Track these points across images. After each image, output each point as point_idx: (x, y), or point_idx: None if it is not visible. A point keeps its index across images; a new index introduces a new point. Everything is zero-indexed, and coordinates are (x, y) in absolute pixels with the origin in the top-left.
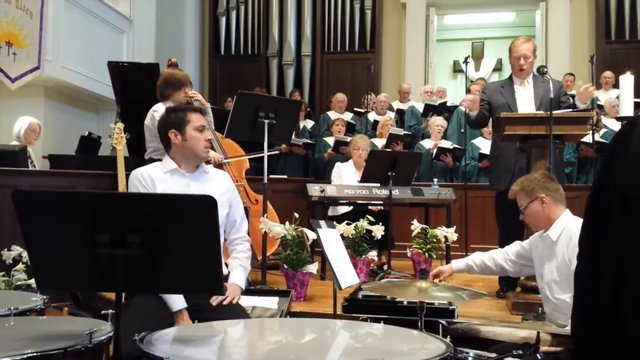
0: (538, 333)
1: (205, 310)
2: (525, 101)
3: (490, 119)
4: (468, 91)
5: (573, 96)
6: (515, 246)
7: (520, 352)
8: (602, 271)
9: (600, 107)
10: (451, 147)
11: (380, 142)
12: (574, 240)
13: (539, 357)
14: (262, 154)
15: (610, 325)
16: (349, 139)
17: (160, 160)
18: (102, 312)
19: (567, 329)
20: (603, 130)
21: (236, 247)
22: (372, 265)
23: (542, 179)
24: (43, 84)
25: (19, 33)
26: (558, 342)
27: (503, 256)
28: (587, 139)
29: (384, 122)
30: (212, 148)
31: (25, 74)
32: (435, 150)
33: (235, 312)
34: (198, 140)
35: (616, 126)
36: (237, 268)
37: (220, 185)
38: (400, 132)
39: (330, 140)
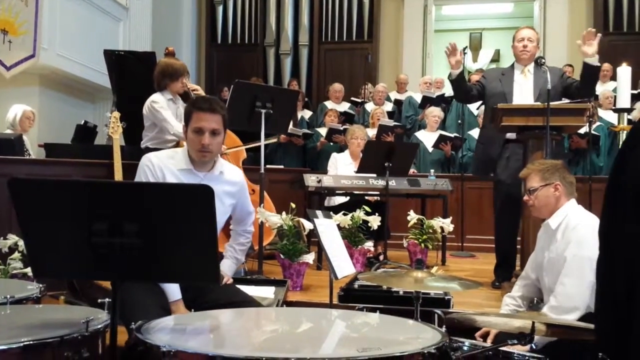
0: (533, 323)
1: (208, 293)
2: (524, 91)
3: (483, 107)
4: (469, 81)
5: (599, 68)
6: (517, 283)
7: (515, 341)
8: (616, 267)
9: (597, 98)
10: (452, 136)
11: (371, 132)
12: (567, 232)
13: (534, 347)
14: (259, 144)
15: (626, 321)
16: (342, 127)
17: (156, 149)
18: (99, 300)
19: (564, 319)
20: (597, 124)
21: (236, 237)
22: (368, 254)
23: (562, 167)
24: (38, 72)
25: (14, 21)
26: (553, 332)
27: (514, 294)
28: (581, 130)
29: (375, 112)
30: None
31: (21, 62)
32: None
33: (236, 293)
34: (192, 142)
35: (611, 118)
36: (229, 258)
37: (232, 189)
38: (391, 123)
39: (323, 131)
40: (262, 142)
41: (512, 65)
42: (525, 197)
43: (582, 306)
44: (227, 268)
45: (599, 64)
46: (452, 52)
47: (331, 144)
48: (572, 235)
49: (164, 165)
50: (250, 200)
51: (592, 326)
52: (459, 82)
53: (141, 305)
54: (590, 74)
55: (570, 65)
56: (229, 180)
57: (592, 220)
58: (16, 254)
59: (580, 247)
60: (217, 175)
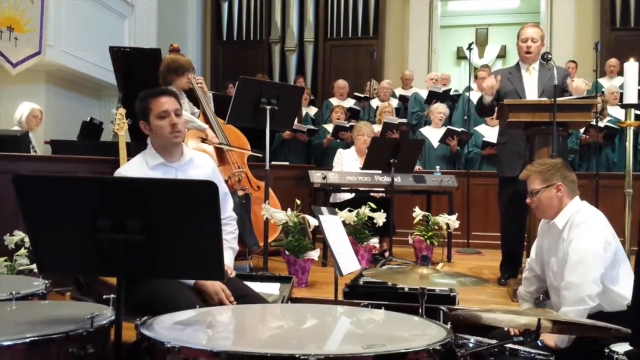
0: (539, 320)
1: None
2: (531, 88)
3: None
4: (475, 77)
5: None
6: (526, 277)
7: (521, 338)
8: None
9: (602, 93)
10: (459, 130)
11: (377, 128)
12: (572, 229)
13: (539, 344)
14: (259, 154)
15: None
16: (348, 124)
17: None
18: (104, 296)
19: (574, 310)
20: (607, 119)
21: (224, 227)
22: (374, 251)
23: (562, 166)
24: (44, 69)
25: (20, 18)
26: (559, 328)
27: (529, 289)
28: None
29: (383, 108)
30: (200, 130)
31: (27, 59)
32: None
33: (239, 288)
34: (162, 128)
35: (619, 114)
36: (226, 250)
37: (205, 171)
38: (395, 120)
39: (330, 128)
40: (267, 149)
41: (518, 64)
42: (528, 200)
43: (587, 298)
44: (228, 260)
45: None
46: (490, 90)
47: (338, 140)
48: (575, 232)
49: (138, 173)
50: (256, 197)
51: (598, 323)
52: (489, 103)
53: (175, 296)
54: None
55: (574, 62)
56: (200, 165)
57: (597, 215)
58: (22, 251)
59: (582, 241)
60: (189, 162)
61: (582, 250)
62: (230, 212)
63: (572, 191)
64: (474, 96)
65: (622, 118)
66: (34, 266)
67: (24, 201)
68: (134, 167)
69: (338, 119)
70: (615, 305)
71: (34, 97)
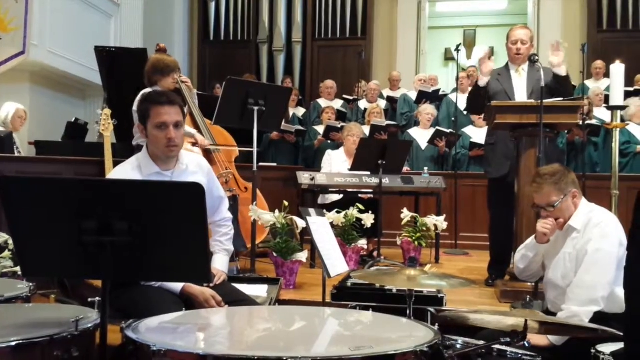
0: (526, 321)
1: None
2: (520, 89)
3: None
4: (463, 78)
5: (566, 78)
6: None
7: (508, 339)
8: None
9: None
10: (448, 131)
11: (367, 130)
12: (589, 228)
13: (527, 345)
14: (250, 149)
15: None
16: (339, 124)
17: None
18: (89, 299)
19: (584, 310)
20: (593, 121)
21: (219, 229)
22: (362, 252)
23: (567, 171)
24: (29, 69)
25: (4, 17)
26: (546, 329)
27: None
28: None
29: (372, 109)
30: (196, 143)
31: (11, 59)
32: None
33: (232, 292)
34: (157, 140)
35: (605, 116)
36: (220, 252)
37: (198, 177)
38: (383, 122)
39: (320, 129)
40: (255, 149)
41: (507, 65)
42: (544, 214)
43: (600, 300)
44: (221, 264)
45: (564, 74)
46: (484, 61)
47: (329, 141)
48: (594, 231)
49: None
50: (243, 198)
51: (585, 324)
52: (477, 96)
53: (156, 302)
54: (559, 83)
55: None
56: (196, 171)
57: (611, 216)
58: (6, 253)
59: (602, 241)
60: (184, 170)
61: (600, 251)
62: (225, 213)
63: (581, 193)
64: (462, 98)
65: (607, 119)
66: (17, 269)
67: (8, 203)
68: (127, 173)
69: (329, 119)
70: (614, 308)
71: (18, 97)
